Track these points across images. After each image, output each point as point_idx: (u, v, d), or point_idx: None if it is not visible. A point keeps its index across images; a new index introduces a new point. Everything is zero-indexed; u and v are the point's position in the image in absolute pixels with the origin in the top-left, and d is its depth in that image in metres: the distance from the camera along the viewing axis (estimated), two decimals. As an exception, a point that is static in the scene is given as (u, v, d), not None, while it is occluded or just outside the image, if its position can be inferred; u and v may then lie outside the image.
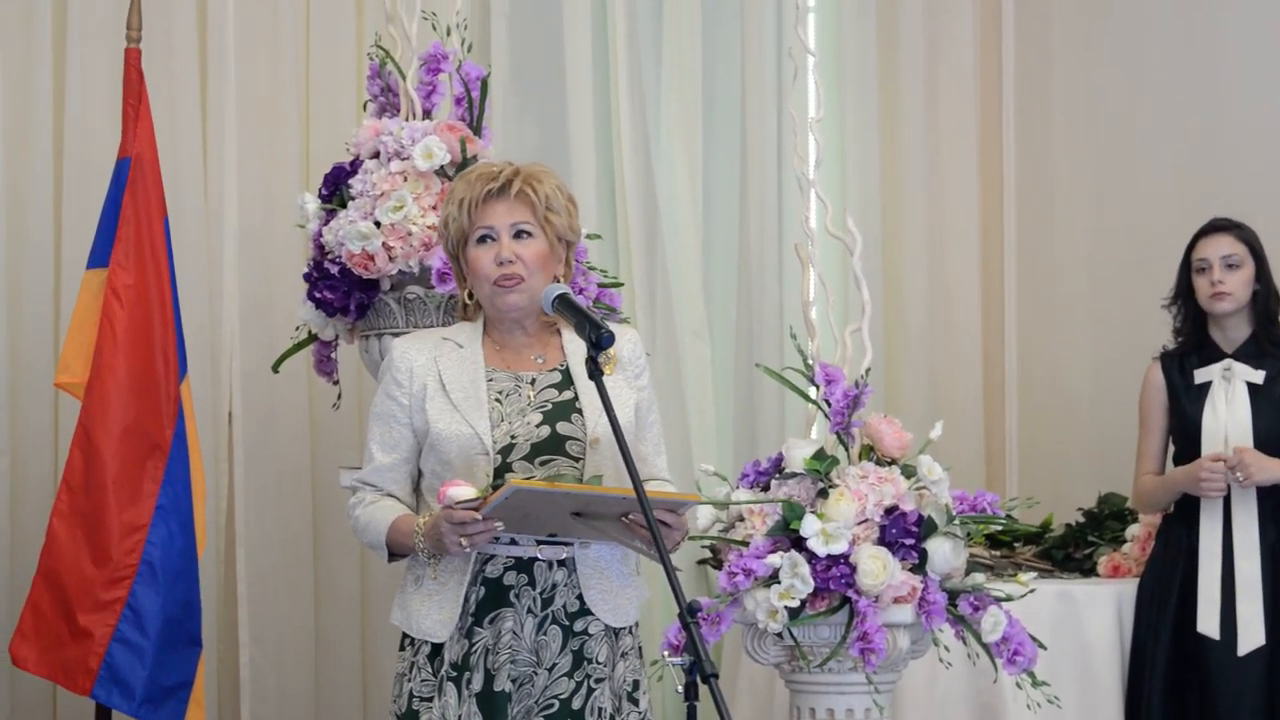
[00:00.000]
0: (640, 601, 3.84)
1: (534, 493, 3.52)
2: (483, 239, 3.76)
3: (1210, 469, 5.26)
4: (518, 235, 3.76)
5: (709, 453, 6.03)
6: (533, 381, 3.78)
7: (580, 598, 3.73)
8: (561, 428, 3.72)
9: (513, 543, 3.69)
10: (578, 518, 3.59)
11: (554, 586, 3.72)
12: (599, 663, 3.75)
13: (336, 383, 5.14)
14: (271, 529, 5.64)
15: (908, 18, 6.79)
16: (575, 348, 3.80)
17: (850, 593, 4.47)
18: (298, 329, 5.08)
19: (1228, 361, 5.38)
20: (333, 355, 5.09)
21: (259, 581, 5.59)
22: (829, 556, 4.47)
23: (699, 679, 3.18)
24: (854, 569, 4.47)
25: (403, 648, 3.80)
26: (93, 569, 4.77)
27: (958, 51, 6.88)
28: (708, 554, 5.71)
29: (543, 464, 3.69)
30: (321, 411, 5.64)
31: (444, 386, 3.75)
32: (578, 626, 3.74)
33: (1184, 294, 5.45)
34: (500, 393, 3.75)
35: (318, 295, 4.83)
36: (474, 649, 3.70)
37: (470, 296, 3.84)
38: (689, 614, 3.21)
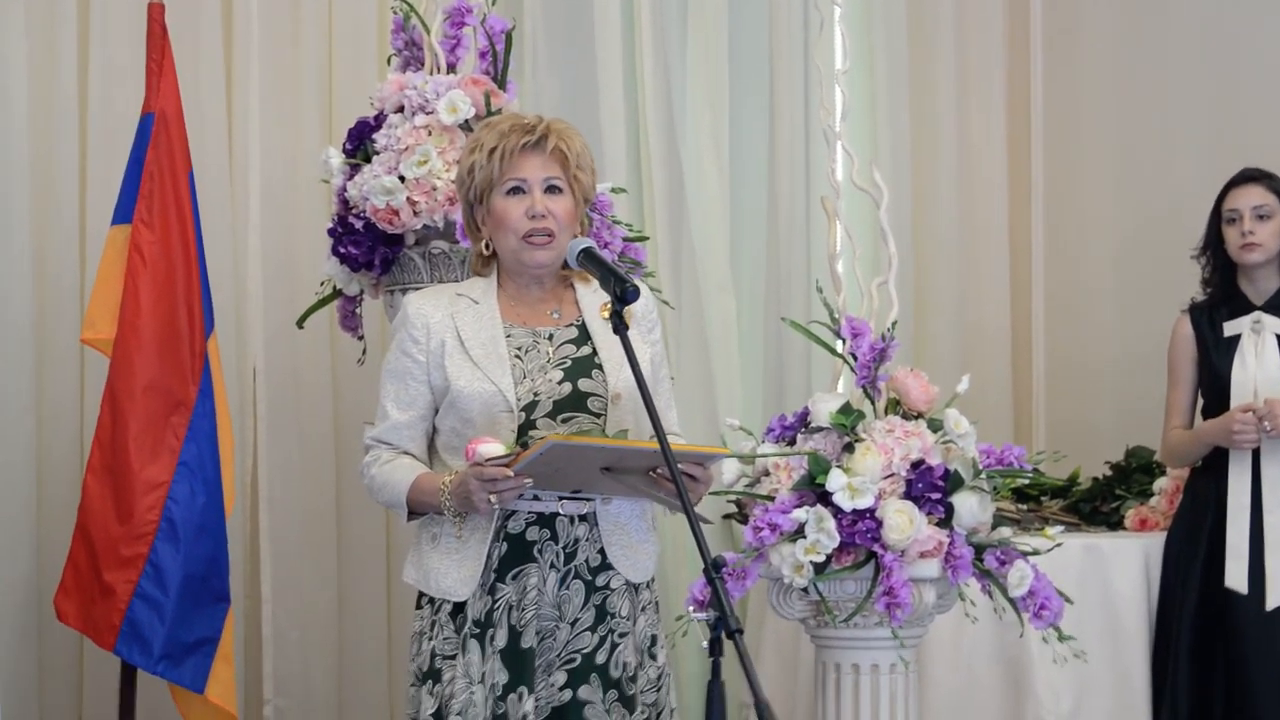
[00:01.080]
0: (656, 556, 3.83)
1: (570, 447, 3.50)
2: (514, 190, 3.72)
3: (1242, 420, 5.24)
4: (549, 190, 3.73)
5: (734, 407, 6.02)
6: (550, 337, 3.75)
7: (602, 552, 3.72)
8: (583, 384, 3.70)
9: (535, 498, 3.66)
10: (606, 473, 3.57)
11: (576, 541, 3.70)
12: (621, 617, 3.74)
13: (361, 338, 5.13)
14: (295, 485, 5.65)
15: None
16: (590, 302, 3.78)
17: (876, 547, 4.46)
18: (322, 284, 5.07)
19: (1257, 314, 5.35)
20: (357, 311, 5.08)
21: (282, 539, 5.61)
22: (855, 511, 4.46)
23: (724, 634, 3.17)
24: (880, 523, 4.46)
25: (420, 606, 3.77)
26: (117, 525, 4.79)
27: (986, 2, 6.84)
28: (733, 509, 5.71)
29: (565, 420, 3.67)
30: (345, 367, 5.63)
31: (463, 343, 3.71)
32: (599, 581, 3.72)
33: (1213, 244, 5.42)
34: (520, 349, 3.72)
35: (342, 250, 4.82)
36: (497, 605, 3.68)
37: (487, 248, 3.80)
38: (714, 569, 3.20)
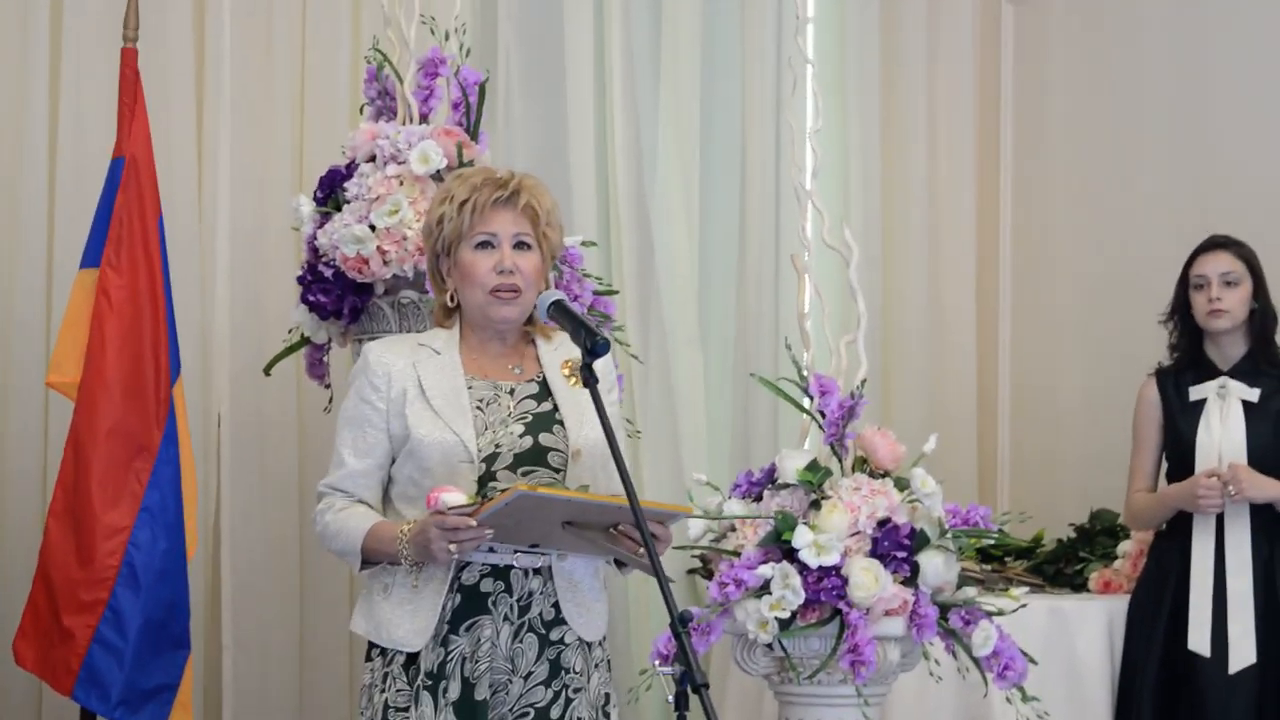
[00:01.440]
0: (606, 615, 3.80)
1: (537, 498, 3.47)
2: (483, 244, 3.70)
3: (1207, 485, 5.25)
4: (517, 246, 3.72)
5: (701, 462, 6.01)
6: (511, 391, 3.73)
7: (556, 605, 3.69)
8: (544, 438, 3.68)
9: (490, 550, 3.63)
10: (567, 527, 3.55)
11: (530, 594, 3.67)
12: (576, 673, 3.71)
13: (328, 386, 5.12)
14: (257, 531, 5.62)
15: (908, 30, 6.80)
16: (551, 360, 3.77)
17: (841, 605, 4.46)
18: (290, 332, 5.06)
19: (1223, 379, 5.37)
20: (325, 359, 5.07)
21: (244, 584, 5.58)
22: (821, 568, 4.46)
23: (690, 689, 3.16)
24: (845, 581, 4.46)
25: (370, 658, 3.73)
26: (78, 570, 4.76)
27: (957, 66, 6.89)
28: (698, 564, 5.70)
29: (525, 474, 3.65)
30: (311, 415, 5.62)
31: (424, 392, 3.68)
32: (554, 635, 3.69)
33: (1181, 310, 5.44)
34: (481, 401, 3.69)
35: (311, 298, 4.82)
36: (450, 657, 3.64)
37: (451, 299, 3.78)
38: (680, 623, 3.19)
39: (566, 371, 3.74)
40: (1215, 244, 5.42)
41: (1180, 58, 6.44)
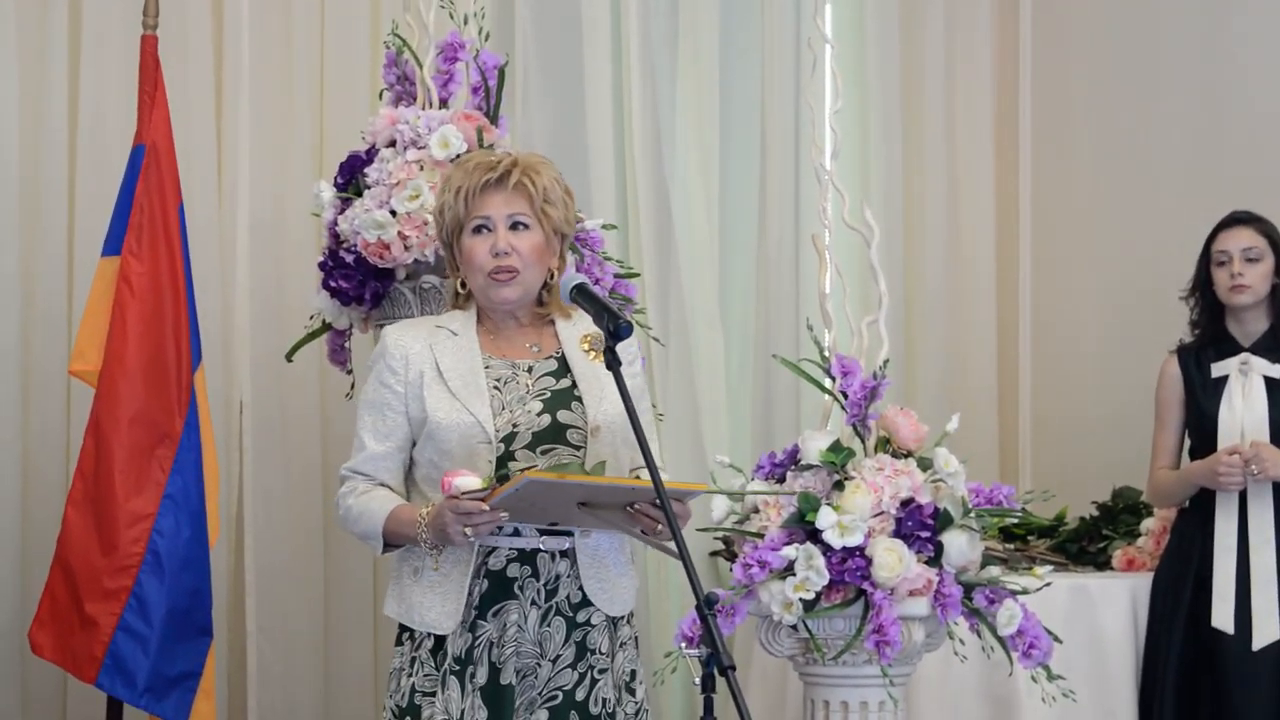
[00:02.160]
0: (634, 590, 3.82)
1: (546, 484, 3.48)
2: (479, 229, 3.71)
3: (1228, 463, 5.25)
4: (514, 227, 3.72)
5: (723, 444, 6.01)
6: (529, 369, 3.74)
7: (582, 588, 3.70)
8: (562, 416, 3.69)
9: (516, 533, 3.65)
10: (582, 507, 3.55)
11: (557, 578, 3.68)
12: (601, 653, 3.72)
13: (350, 372, 5.12)
14: (281, 519, 5.63)
15: (927, 9, 6.79)
16: (569, 335, 3.77)
17: (865, 585, 4.46)
18: (311, 318, 5.06)
19: (1245, 355, 5.37)
20: (346, 345, 5.08)
21: (267, 571, 5.58)
22: (844, 549, 4.46)
23: (716, 671, 3.16)
24: (869, 561, 4.46)
25: (400, 641, 3.75)
26: (100, 557, 4.77)
27: (977, 41, 6.88)
28: (720, 545, 5.70)
29: (544, 452, 3.66)
30: (333, 401, 5.62)
31: (441, 374, 3.69)
32: (580, 617, 3.70)
33: (1202, 286, 5.43)
34: (498, 380, 3.70)
35: (332, 284, 4.82)
36: (478, 642, 3.65)
37: (463, 285, 3.79)
38: (706, 605, 3.19)
39: (586, 346, 3.75)
40: (1237, 219, 5.41)
41: (1202, 32, 6.42)
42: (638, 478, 3.69)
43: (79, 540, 4.78)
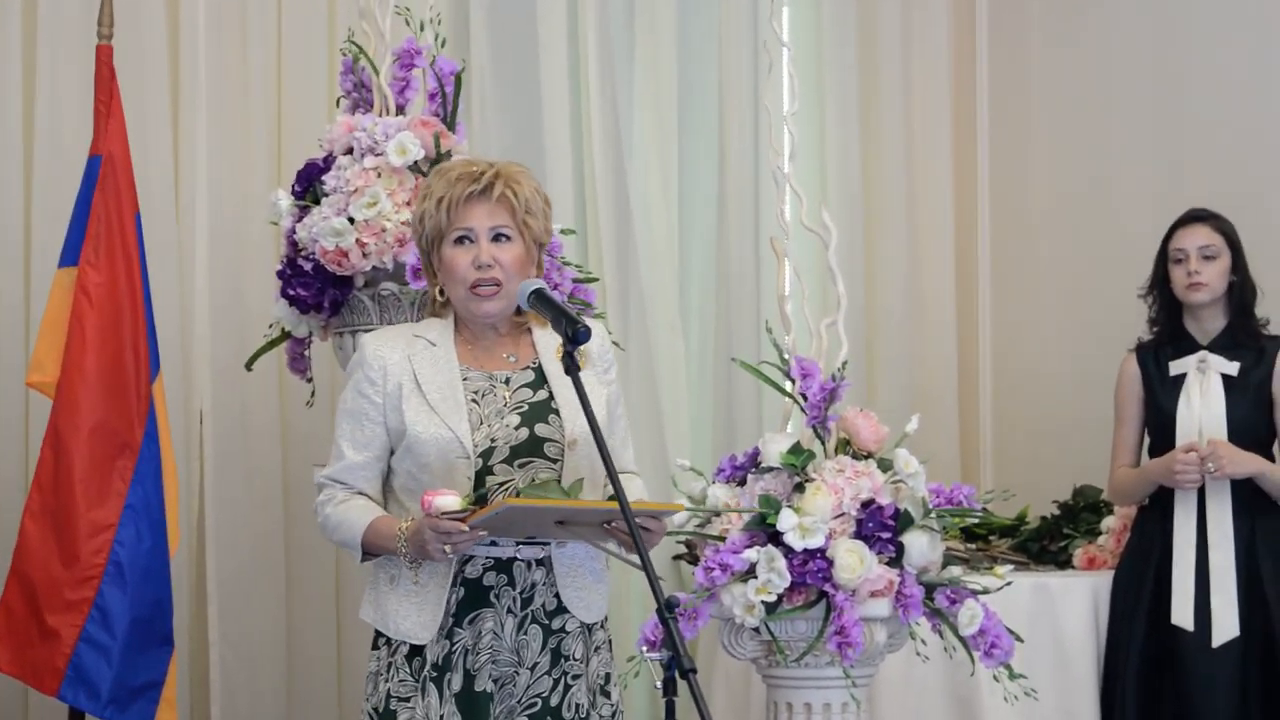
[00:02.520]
0: (607, 595, 3.83)
1: (524, 509, 3.52)
2: (460, 240, 3.71)
3: (1184, 460, 5.27)
4: (496, 238, 3.72)
5: (684, 447, 6.02)
6: (507, 381, 3.74)
7: (558, 595, 3.71)
8: (539, 429, 3.69)
9: (493, 543, 3.66)
10: (560, 525, 3.59)
11: (533, 586, 3.70)
12: (575, 659, 3.73)
13: (310, 380, 5.12)
14: (241, 527, 5.61)
15: (885, 10, 6.80)
16: (546, 345, 3.78)
17: (827, 587, 4.47)
18: (271, 326, 5.05)
19: (1203, 353, 5.39)
20: (306, 353, 5.07)
21: (229, 580, 5.57)
22: (806, 551, 4.47)
23: (678, 674, 3.17)
24: (831, 563, 4.47)
25: (376, 646, 3.76)
26: (61, 569, 4.74)
27: (933, 44, 6.90)
28: (683, 550, 5.71)
29: (521, 466, 3.67)
30: (293, 409, 5.61)
31: (420, 386, 3.70)
32: (555, 624, 3.72)
33: (1160, 284, 5.45)
34: (476, 393, 3.71)
35: (291, 292, 4.81)
36: (454, 649, 3.67)
37: (441, 294, 3.79)
38: (667, 609, 3.20)
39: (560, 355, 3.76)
40: (1194, 217, 5.43)
41: (1156, 32, 6.45)
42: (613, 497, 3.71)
43: (37, 552, 4.76)
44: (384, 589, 3.73)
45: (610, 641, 3.84)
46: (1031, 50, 6.83)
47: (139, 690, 4.79)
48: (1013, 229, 6.86)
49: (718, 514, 4.63)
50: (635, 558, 3.41)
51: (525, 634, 3.69)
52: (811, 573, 4.46)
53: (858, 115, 6.71)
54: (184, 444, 5.48)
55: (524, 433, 3.68)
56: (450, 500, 3.55)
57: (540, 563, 3.71)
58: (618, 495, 3.35)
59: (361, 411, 3.73)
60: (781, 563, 4.45)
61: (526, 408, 3.71)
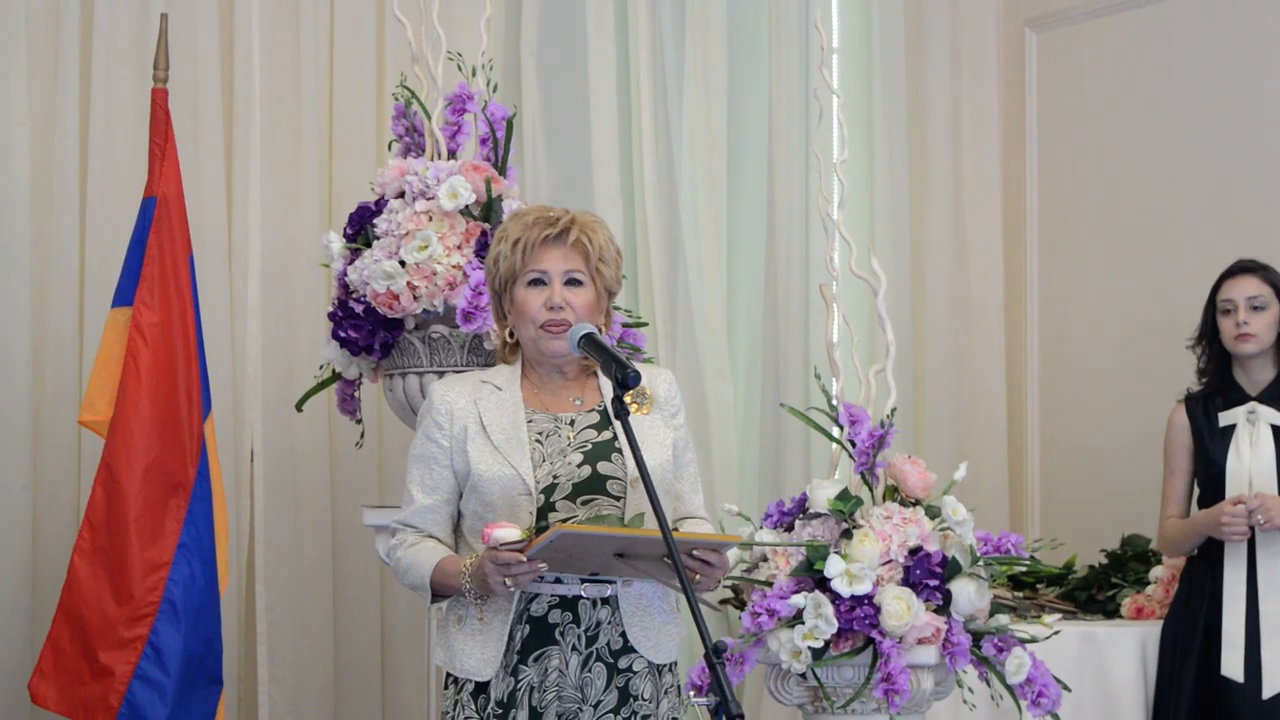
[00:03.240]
0: (680, 638, 3.85)
1: (578, 536, 3.55)
2: (534, 282, 3.78)
3: (1232, 513, 5.25)
4: (569, 283, 3.79)
5: (732, 492, 6.02)
6: (571, 423, 3.80)
7: (624, 635, 3.75)
8: (602, 467, 3.74)
9: (557, 581, 3.71)
10: (620, 558, 3.61)
11: (598, 624, 3.74)
12: (644, 699, 3.77)
13: (359, 421, 5.14)
14: (291, 567, 5.64)
15: (933, 59, 6.83)
16: (611, 389, 3.81)
17: (874, 634, 4.46)
18: (321, 368, 5.08)
19: (1252, 404, 5.37)
20: (356, 394, 5.09)
21: (278, 620, 5.59)
22: (853, 597, 4.47)
23: (725, 719, 3.18)
24: (878, 610, 4.46)
25: (446, 686, 3.82)
26: (114, 607, 4.77)
27: (982, 93, 6.92)
28: (729, 594, 5.70)
29: (585, 503, 3.72)
30: (342, 450, 5.64)
31: (484, 428, 3.77)
32: (622, 664, 3.75)
33: (1209, 335, 5.45)
34: (540, 434, 3.77)
35: (342, 334, 4.84)
36: (519, 687, 3.72)
37: (510, 335, 3.85)
38: (715, 654, 3.22)
39: (628, 399, 3.79)
40: (1242, 268, 5.42)
41: (1211, 74, 6.43)
42: (677, 529, 3.75)
43: (89, 590, 4.78)
44: (452, 630, 3.79)
45: (679, 686, 3.87)
46: (1081, 98, 6.82)
47: (190, 728, 4.81)
48: (1062, 276, 6.85)
49: (761, 556, 4.63)
50: (706, 596, 3.43)
51: (589, 671, 3.73)
52: (858, 619, 4.46)
53: (906, 162, 6.72)
54: (234, 483, 5.51)
55: (587, 470, 3.73)
56: (509, 532, 3.61)
57: (606, 601, 3.74)
58: (661, 527, 3.39)
59: (430, 455, 3.80)
60: (829, 609, 4.45)
61: (590, 447, 3.76)
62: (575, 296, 3.77)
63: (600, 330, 3.81)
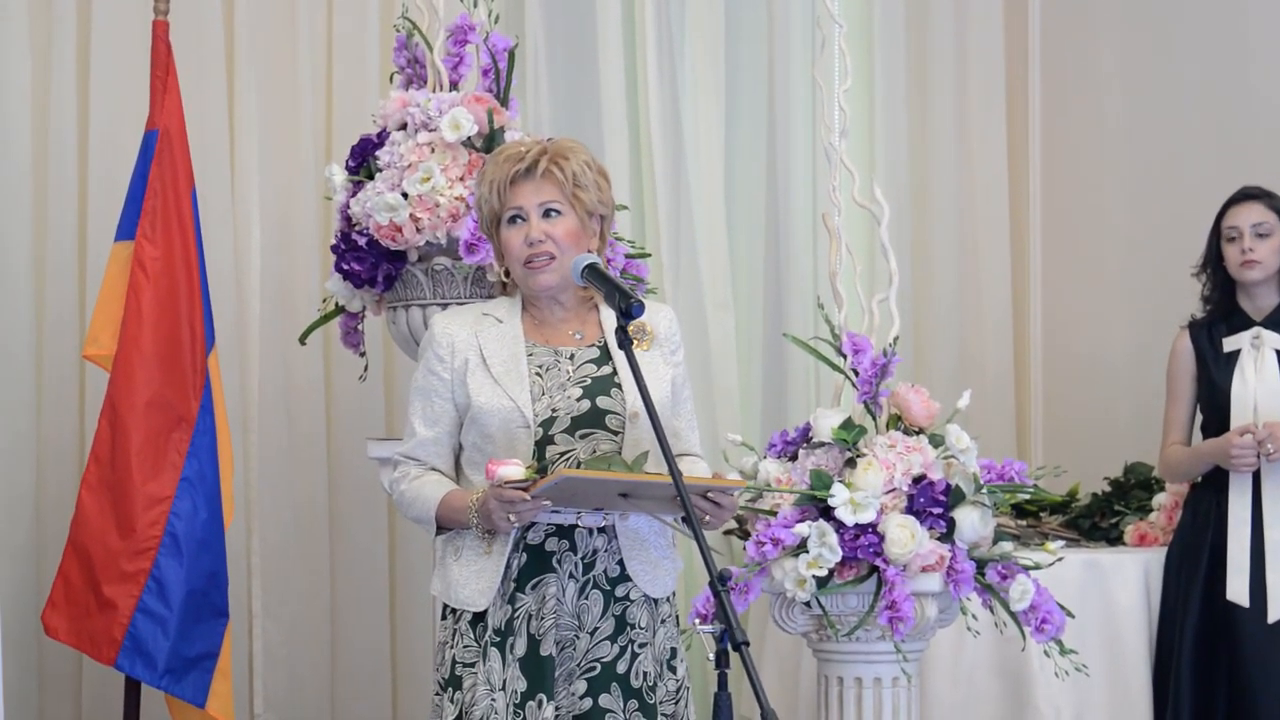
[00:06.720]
0: (676, 573, 3.87)
1: (583, 480, 3.56)
2: (513, 219, 3.78)
3: (1240, 444, 5.25)
4: (546, 214, 3.78)
5: (734, 423, 6.02)
6: (571, 356, 3.80)
7: (620, 563, 3.77)
8: (601, 402, 3.75)
9: (554, 512, 3.71)
10: (624, 497, 3.63)
11: (595, 552, 3.75)
12: (641, 628, 3.78)
13: (363, 354, 5.14)
14: (286, 500, 5.65)
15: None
16: (612, 323, 3.80)
17: (878, 561, 4.48)
18: (324, 301, 5.08)
19: (1256, 329, 5.37)
20: (359, 327, 5.09)
21: (272, 553, 5.61)
22: (857, 526, 4.48)
23: (730, 646, 3.19)
24: (882, 538, 4.48)
25: (444, 617, 3.83)
26: (118, 540, 4.80)
27: (986, 19, 6.86)
28: (733, 524, 5.72)
29: (583, 437, 3.72)
30: (342, 383, 5.64)
31: (485, 361, 3.77)
32: (619, 591, 3.77)
33: (1213, 262, 5.44)
34: (540, 367, 3.77)
35: (345, 267, 4.83)
36: (517, 614, 3.73)
37: (507, 274, 3.86)
38: (720, 582, 3.23)
39: (631, 329, 3.79)
40: (1247, 195, 5.41)
41: (1216, 8, 6.40)
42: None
43: (95, 523, 4.81)
44: (449, 561, 3.80)
45: (677, 616, 3.89)
46: (1089, 14, 6.78)
47: (194, 661, 4.84)
48: (1066, 203, 6.83)
49: (769, 489, 4.64)
50: (707, 525, 3.47)
51: (586, 599, 3.75)
52: (863, 547, 4.47)
53: (907, 90, 6.69)
54: (241, 417, 5.51)
55: (586, 404, 3.74)
56: (514, 470, 3.61)
57: (602, 530, 3.76)
58: (671, 470, 3.40)
59: (431, 388, 3.81)
60: (833, 537, 4.46)
61: (589, 381, 3.77)
62: (555, 227, 3.76)
63: (595, 252, 3.80)
